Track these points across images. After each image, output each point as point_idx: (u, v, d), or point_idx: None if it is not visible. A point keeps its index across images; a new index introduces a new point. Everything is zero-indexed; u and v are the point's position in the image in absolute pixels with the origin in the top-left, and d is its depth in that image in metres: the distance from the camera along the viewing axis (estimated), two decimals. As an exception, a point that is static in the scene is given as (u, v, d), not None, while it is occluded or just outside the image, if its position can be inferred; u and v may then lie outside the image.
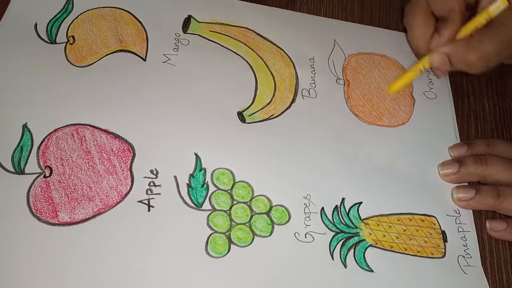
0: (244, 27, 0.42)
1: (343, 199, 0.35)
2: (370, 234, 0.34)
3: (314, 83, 0.41)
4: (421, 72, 0.39)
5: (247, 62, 0.40)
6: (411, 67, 0.39)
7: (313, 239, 0.33)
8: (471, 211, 0.37)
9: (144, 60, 0.38)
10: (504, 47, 0.37)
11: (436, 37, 0.38)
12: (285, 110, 0.38)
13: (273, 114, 0.38)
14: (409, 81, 0.40)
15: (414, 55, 0.43)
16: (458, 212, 0.37)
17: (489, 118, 0.43)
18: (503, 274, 0.35)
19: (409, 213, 0.36)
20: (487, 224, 0.37)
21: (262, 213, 0.33)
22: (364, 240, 0.34)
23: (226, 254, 0.31)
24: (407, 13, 0.41)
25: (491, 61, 0.37)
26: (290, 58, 0.41)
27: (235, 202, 0.33)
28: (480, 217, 0.38)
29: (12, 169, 0.31)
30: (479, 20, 0.37)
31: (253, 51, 0.41)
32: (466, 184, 0.38)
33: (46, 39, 0.37)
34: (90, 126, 0.34)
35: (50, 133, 0.33)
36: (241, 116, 0.37)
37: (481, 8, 0.37)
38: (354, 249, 0.33)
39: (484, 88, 0.45)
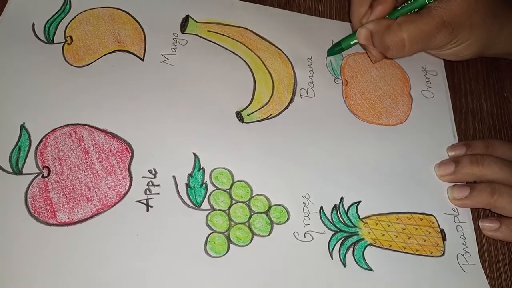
0: (242, 27, 0.42)
1: (342, 198, 0.35)
2: (369, 233, 0.34)
3: (312, 82, 0.41)
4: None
5: (245, 62, 0.40)
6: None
7: (312, 238, 0.33)
8: (469, 209, 0.37)
9: (142, 60, 0.38)
10: (420, 38, 0.36)
11: (367, 13, 0.39)
12: (283, 110, 0.38)
13: (271, 114, 0.38)
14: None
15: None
16: (456, 210, 0.37)
17: (487, 117, 0.43)
18: (501, 273, 0.35)
19: (408, 212, 0.36)
20: (480, 223, 0.37)
21: (261, 213, 0.33)
22: (363, 239, 0.34)
23: (225, 253, 0.31)
24: None
25: (405, 49, 0.37)
26: (288, 58, 0.41)
27: (234, 202, 0.33)
28: (478, 215, 0.38)
29: (10, 170, 0.31)
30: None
31: (251, 51, 0.41)
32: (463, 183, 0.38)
33: (44, 39, 0.37)
34: (88, 126, 0.34)
35: (48, 133, 0.33)
36: (239, 115, 0.37)
37: None
38: (353, 248, 0.33)
39: (482, 88, 0.45)
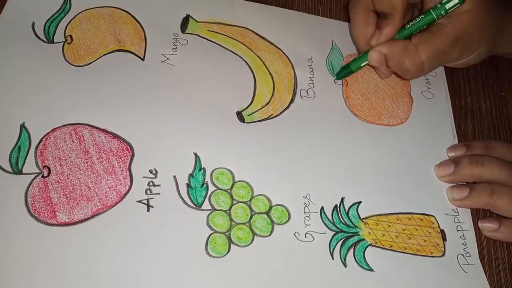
0: (243, 27, 0.42)
1: (342, 198, 0.35)
2: (370, 233, 0.34)
3: (312, 83, 0.41)
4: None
5: (245, 62, 0.40)
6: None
7: (313, 238, 0.33)
8: (469, 210, 0.37)
9: (143, 59, 0.38)
10: (437, 56, 0.36)
11: (376, 35, 0.38)
12: (284, 110, 0.38)
13: (272, 114, 0.38)
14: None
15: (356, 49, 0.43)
16: (456, 211, 0.37)
17: (486, 118, 0.44)
18: (500, 273, 0.36)
19: (408, 213, 0.36)
20: (479, 224, 0.37)
21: (262, 213, 0.33)
22: (363, 239, 0.34)
23: (226, 254, 0.31)
24: (350, 7, 0.40)
25: (424, 70, 0.37)
26: (288, 58, 0.41)
27: (234, 202, 0.33)
28: (478, 216, 0.38)
29: (9, 169, 0.31)
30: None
31: (252, 51, 0.41)
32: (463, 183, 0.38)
33: (44, 39, 0.37)
34: (89, 125, 0.34)
35: (48, 132, 0.33)
36: (240, 115, 0.37)
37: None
38: (354, 249, 0.33)
39: (481, 88, 0.45)
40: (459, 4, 0.35)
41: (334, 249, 0.33)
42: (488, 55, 0.40)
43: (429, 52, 0.36)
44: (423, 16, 0.37)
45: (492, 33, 0.38)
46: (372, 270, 0.33)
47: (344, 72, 0.41)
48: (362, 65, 0.39)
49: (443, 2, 0.36)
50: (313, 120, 0.38)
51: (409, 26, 0.37)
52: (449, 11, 0.36)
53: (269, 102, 0.38)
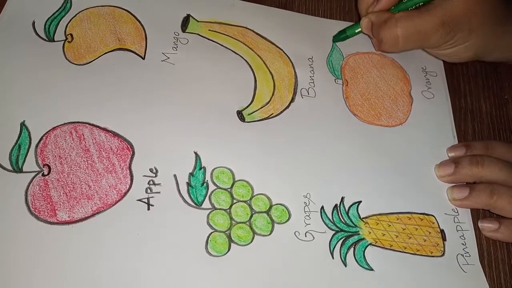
0: (243, 27, 0.42)
1: (342, 198, 0.35)
2: (370, 233, 0.34)
3: (313, 82, 0.41)
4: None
5: (246, 61, 0.40)
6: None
7: (313, 238, 0.33)
8: (469, 210, 0.38)
9: (143, 58, 0.38)
10: (415, 35, 0.37)
11: (374, 3, 0.39)
12: (284, 110, 0.38)
13: (272, 113, 0.38)
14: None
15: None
16: (456, 211, 0.37)
17: (486, 118, 0.44)
18: (500, 273, 0.36)
19: (408, 212, 0.36)
20: (479, 224, 0.37)
21: (262, 212, 0.33)
22: (363, 239, 0.34)
23: (226, 253, 0.31)
24: None
25: (398, 45, 0.38)
26: (289, 58, 0.41)
27: (235, 201, 0.33)
28: (478, 216, 0.38)
29: (10, 168, 0.31)
30: None
31: (252, 50, 0.41)
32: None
33: (44, 37, 0.37)
34: (89, 124, 0.34)
35: (48, 131, 0.33)
36: (240, 115, 0.37)
37: None
38: (354, 248, 0.33)
39: (481, 89, 0.45)
40: None
41: (334, 248, 0.33)
42: (480, 53, 0.40)
43: (407, 29, 0.36)
44: None
45: (486, 31, 0.38)
46: (372, 269, 0.33)
47: (340, 37, 0.43)
48: (356, 31, 0.42)
49: None
50: (313, 119, 0.38)
51: (405, 0, 0.38)
52: None
53: (269, 101, 0.38)
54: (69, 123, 0.33)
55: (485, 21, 0.37)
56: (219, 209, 0.33)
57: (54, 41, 0.37)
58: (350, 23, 0.44)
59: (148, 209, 0.31)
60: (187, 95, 0.37)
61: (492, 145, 0.39)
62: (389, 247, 0.34)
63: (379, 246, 0.34)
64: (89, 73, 0.36)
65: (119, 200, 0.31)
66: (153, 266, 0.29)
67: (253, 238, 0.32)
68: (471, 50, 0.39)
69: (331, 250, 0.33)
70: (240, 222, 0.33)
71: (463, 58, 0.40)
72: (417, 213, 0.36)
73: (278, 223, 0.33)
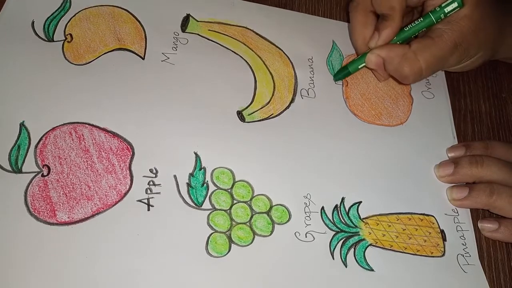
0: (243, 27, 0.42)
1: (342, 198, 0.35)
2: (370, 233, 0.34)
3: (313, 83, 0.41)
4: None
5: (246, 61, 0.40)
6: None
7: (314, 238, 0.33)
8: (469, 210, 0.38)
9: (143, 58, 0.38)
10: (436, 63, 0.37)
11: (375, 37, 0.38)
12: (284, 110, 0.38)
13: (272, 114, 0.38)
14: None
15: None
16: (456, 211, 0.37)
17: (486, 119, 0.44)
18: (500, 274, 0.36)
19: (408, 213, 0.36)
20: (479, 224, 0.37)
21: (263, 213, 0.33)
22: (364, 239, 0.34)
23: (227, 253, 0.31)
24: (349, 8, 0.40)
25: (422, 75, 0.37)
26: (289, 58, 0.41)
27: (235, 202, 0.33)
28: (478, 216, 0.38)
29: (9, 168, 0.30)
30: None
31: (252, 50, 0.41)
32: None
33: (44, 37, 0.36)
34: (89, 124, 0.33)
35: (48, 131, 0.32)
36: (240, 115, 0.37)
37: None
38: (354, 249, 0.33)
39: (481, 89, 0.46)
40: (458, 8, 0.35)
41: (334, 249, 0.33)
42: (488, 59, 0.40)
43: (428, 59, 0.36)
44: (422, 19, 0.37)
45: (492, 39, 0.38)
46: (372, 270, 0.33)
47: (342, 74, 0.41)
48: (359, 67, 0.39)
49: (442, 5, 0.36)
50: (313, 120, 0.38)
51: (407, 29, 0.37)
52: (448, 14, 0.36)
53: (269, 101, 0.38)
54: (68, 123, 0.33)
55: (491, 32, 0.38)
56: (219, 209, 0.33)
57: (54, 41, 0.36)
58: (348, 24, 0.44)
59: (148, 209, 0.31)
60: (187, 96, 0.37)
61: (492, 145, 0.39)
62: (389, 248, 0.34)
63: (380, 247, 0.34)
64: (88, 73, 0.36)
65: (119, 201, 0.31)
66: (153, 267, 0.29)
67: (253, 238, 0.32)
68: (481, 60, 0.39)
69: (332, 250, 0.33)
70: (240, 223, 0.33)
71: (475, 67, 0.41)
72: (417, 214, 0.36)
73: (278, 224, 0.33)
